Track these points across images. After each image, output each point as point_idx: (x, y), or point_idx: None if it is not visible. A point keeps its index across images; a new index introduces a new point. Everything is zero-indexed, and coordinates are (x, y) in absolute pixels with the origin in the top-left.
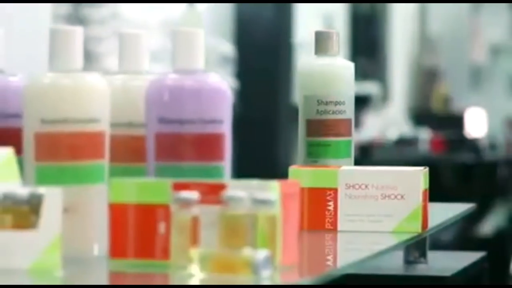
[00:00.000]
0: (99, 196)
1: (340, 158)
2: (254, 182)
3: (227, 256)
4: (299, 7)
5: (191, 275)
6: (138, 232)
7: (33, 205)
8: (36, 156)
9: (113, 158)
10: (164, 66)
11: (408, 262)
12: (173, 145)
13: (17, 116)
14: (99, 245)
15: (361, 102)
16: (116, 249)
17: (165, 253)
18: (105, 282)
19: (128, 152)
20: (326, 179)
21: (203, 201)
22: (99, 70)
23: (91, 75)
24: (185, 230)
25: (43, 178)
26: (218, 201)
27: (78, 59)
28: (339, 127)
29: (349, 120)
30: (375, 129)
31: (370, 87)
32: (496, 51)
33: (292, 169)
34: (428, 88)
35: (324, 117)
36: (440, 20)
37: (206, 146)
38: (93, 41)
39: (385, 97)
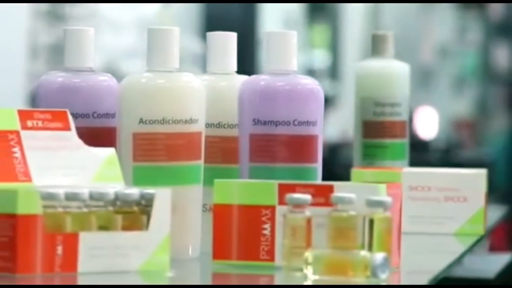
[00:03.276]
0: (194, 197)
1: (396, 160)
2: (361, 184)
3: (342, 257)
4: (264, 7)
5: (304, 277)
6: (242, 234)
7: (143, 206)
8: (134, 157)
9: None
10: (136, 63)
11: None
12: (267, 146)
13: (109, 115)
14: (193, 247)
15: None
16: (220, 251)
17: (270, 255)
18: (218, 283)
19: (217, 153)
20: (389, 181)
21: (311, 202)
22: None
23: (186, 75)
24: (297, 232)
25: (141, 179)
26: (327, 203)
27: (175, 59)
28: (396, 129)
29: (405, 122)
30: (337, 128)
31: (326, 87)
32: (443, 51)
33: (354, 170)
34: None
35: (381, 118)
36: (391, 20)
37: (300, 147)
38: None
39: (340, 97)
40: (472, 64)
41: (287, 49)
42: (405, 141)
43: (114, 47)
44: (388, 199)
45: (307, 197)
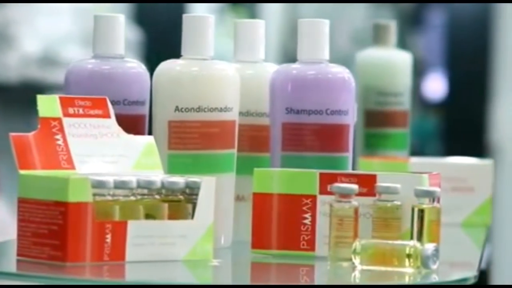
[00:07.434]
0: (228, 186)
1: (398, 149)
2: (404, 174)
3: (391, 248)
4: None
5: (352, 267)
6: (282, 223)
7: (188, 194)
8: (169, 144)
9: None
10: (73, 49)
11: None
12: (299, 135)
13: (138, 103)
14: (225, 236)
15: None
16: (259, 240)
17: (310, 244)
18: (258, 272)
19: (245, 141)
20: (396, 171)
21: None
22: (17, 52)
23: (220, 63)
24: (344, 222)
25: (175, 167)
26: (369, 192)
27: (209, 47)
28: (398, 118)
29: (407, 112)
30: None
31: None
32: (357, 40)
33: (362, 160)
34: None
35: (384, 108)
36: (308, 10)
37: (332, 136)
38: (8, 24)
39: None
40: None
41: (318, 38)
42: (407, 131)
43: (52, 33)
44: (437, 189)
45: (355, 186)
